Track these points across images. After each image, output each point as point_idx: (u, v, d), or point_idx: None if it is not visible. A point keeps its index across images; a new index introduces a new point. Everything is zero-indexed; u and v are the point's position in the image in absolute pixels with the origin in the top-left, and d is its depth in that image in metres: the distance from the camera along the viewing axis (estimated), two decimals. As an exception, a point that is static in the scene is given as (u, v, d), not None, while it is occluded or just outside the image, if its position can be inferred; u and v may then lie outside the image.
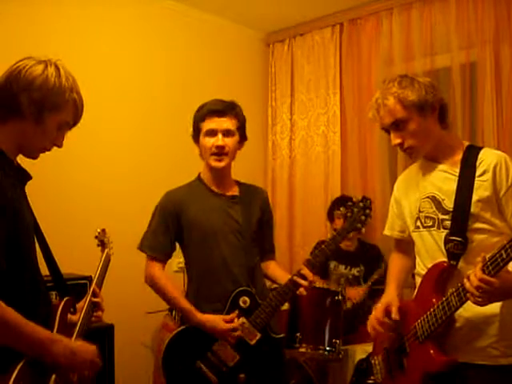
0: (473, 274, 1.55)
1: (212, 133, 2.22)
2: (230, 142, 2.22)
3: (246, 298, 2.21)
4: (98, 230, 1.99)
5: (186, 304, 2.20)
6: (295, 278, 2.17)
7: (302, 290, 2.17)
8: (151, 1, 3.72)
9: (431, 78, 3.54)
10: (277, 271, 2.41)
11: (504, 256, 1.46)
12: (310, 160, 4.19)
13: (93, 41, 3.39)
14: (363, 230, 2.24)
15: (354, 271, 3.47)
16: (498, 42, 3.29)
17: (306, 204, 4.19)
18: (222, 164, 2.23)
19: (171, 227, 2.26)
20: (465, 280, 1.60)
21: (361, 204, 2.21)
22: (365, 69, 3.91)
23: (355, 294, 3.30)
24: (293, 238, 4.25)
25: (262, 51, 4.51)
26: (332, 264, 3.48)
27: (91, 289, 1.71)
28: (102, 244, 1.96)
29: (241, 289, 2.22)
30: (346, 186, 3.99)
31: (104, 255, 1.90)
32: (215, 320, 2.15)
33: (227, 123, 2.22)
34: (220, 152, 2.21)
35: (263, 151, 4.45)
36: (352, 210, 2.21)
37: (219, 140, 2.20)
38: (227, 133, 2.22)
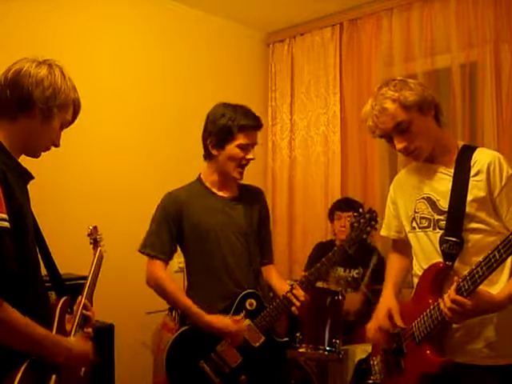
0: (446, 295, 1.60)
1: (246, 147, 2.26)
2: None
3: (253, 301, 2.23)
4: (90, 228, 1.95)
5: (192, 307, 2.19)
6: (289, 295, 2.21)
7: (294, 309, 2.21)
8: (151, 1, 3.72)
9: (431, 78, 3.53)
10: (275, 279, 2.42)
11: (497, 257, 1.46)
12: (310, 160, 4.19)
13: (93, 41, 3.39)
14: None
15: (353, 273, 3.45)
16: (498, 41, 3.28)
17: (306, 204, 4.18)
18: (242, 177, 2.31)
19: (173, 228, 2.27)
20: (440, 300, 1.64)
21: (367, 215, 2.25)
22: (365, 69, 3.91)
23: (351, 302, 3.17)
24: (293, 238, 4.25)
25: (262, 51, 4.51)
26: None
27: (81, 302, 1.67)
28: (95, 242, 1.94)
29: (248, 291, 2.24)
30: (345, 186, 3.99)
31: (97, 253, 1.88)
32: (224, 320, 2.16)
33: (257, 138, 2.31)
34: (247, 164, 2.28)
35: (263, 151, 4.44)
36: (359, 221, 2.25)
37: (251, 154, 2.28)
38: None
